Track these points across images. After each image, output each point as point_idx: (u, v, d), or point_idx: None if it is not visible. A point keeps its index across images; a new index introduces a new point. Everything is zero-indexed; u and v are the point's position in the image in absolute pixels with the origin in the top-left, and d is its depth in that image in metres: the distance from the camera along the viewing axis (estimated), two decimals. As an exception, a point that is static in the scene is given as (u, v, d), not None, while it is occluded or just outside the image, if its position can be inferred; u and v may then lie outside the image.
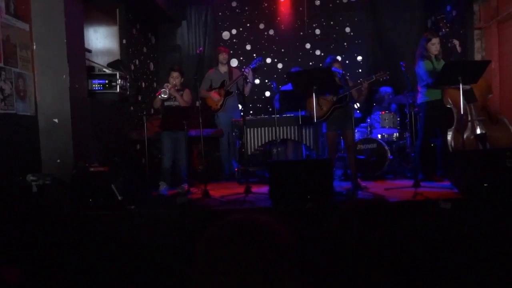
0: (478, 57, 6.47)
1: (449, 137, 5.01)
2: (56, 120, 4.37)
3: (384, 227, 1.09)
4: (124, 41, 6.36)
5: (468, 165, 4.20)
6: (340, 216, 1.14)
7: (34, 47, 4.32)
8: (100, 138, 5.28)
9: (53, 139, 4.36)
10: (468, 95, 4.83)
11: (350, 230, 1.09)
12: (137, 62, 6.91)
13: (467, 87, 4.79)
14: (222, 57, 6.57)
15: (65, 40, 4.39)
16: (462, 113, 4.64)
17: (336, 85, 4.98)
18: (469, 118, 5.07)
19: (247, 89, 6.06)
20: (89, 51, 5.85)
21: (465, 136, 4.84)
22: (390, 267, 1.06)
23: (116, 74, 5.32)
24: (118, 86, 5.31)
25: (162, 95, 5.17)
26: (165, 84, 5.24)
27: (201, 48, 5.85)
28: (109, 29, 6.28)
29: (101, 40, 6.23)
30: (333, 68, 5.04)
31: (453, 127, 5.03)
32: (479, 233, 3.55)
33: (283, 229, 0.95)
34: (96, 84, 5.26)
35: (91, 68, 5.31)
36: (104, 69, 5.45)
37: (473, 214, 3.73)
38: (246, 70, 6.00)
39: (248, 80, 5.98)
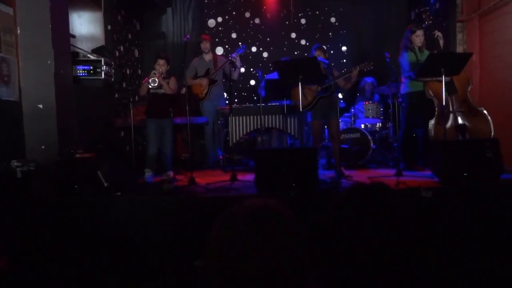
0: (459, 49, 6.59)
1: (430, 127, 5.12)
2: (40, 106, 4.32)
3: (383, 211, 1.14)
4: (108, 27, 6.30)
5: (448, 155, 4.31)
6: (339, 200, 1.19)
7: (18, 31, 4.24)
8: (85, 124, 5.24)
9: (38, 125, 4.31)
10: (448, 87, 4.93)
11: (350, 213, 1.14)
12: (121, 48, 6.84)
13: (447, 79, 4.89)
14: (203, 45, 6.53)
15: (50, 25, 4.33)
16: (443, 104, 4.74)
17: (321, 75, 5.03)
18: (450, 110, 5.17)
19: (235, 74, 6.05)
20: (73, 36, 5.78)
21: (446, 127, 4.95)
22: (386, 252, 1.11)
23: (101, 60, 5.28)
24: (103, 73, 5.28)
25: (152, 84, 5.12)
26: (153, 72, 5.20)
27: (188, 36, 5.81)
28: (93, 15, 6.20)
29: (85, 25, 6.15)
30: (318, 58, 5.09)
31: (434, 118, 5.13)
32: (459, 220, 3.66)
33: (293, 214, 0.98)
34: (80, 70, 5.22)
35: (76, 54, 5.25)
36: (89, 55, 5.40)
37: (453, 202, 3.85)
38: (234, 55, 6.00)
39: (236, 66, 5.98)
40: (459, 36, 6.66)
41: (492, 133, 5.00)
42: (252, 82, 8.05)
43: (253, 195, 4.12)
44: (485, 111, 5.15)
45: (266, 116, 5.77)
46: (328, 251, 1.12)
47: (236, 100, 7.85)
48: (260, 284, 0.87)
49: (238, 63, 6.20)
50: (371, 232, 1.14)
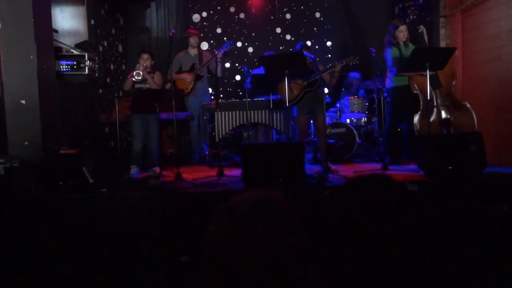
0: (442, 44, 6.64)
1: (415, 122, 5.17)
2: (23, 102, 4.24)
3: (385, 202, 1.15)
4: (92, 22, 6.20)
5: (433, 149, 4.37)
6: (341, 191, 1.20)
7: (0, 26, 4.16)
8: (69, 120, 5.17)
9: (20, 121, 4.22)
10: (433, 81, 4.98)
11: (349, 204, 1.15)
12: (105, 43, 6.76)
13: (432, 73, 4.93)
14: (194, 40, 6.50)
15: (32, 19, 4.25)
16: (428, 99, 4.79)
17: (307, 69, 5.05)
18: (435, 104, 5.23)
19: (219, 70, 6.03)
20: (56, 31, 5.67)
21: (430, 121, 5.00)
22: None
23: (84, 55, 5.19)
24: (86, 68, 5.19)
25: (136, 77, 5.10)
26: (137, 65, 5.16)
27: (173, 31, 5.76)
28: (76, 9, 6.10)
29: (68, 20, 6.05)
30: (305, 53, 5.10)
31: (419, 113, 5.18)
32: (444, 213, 3.71)
33: (295, 206, 0.98)
34: (63, 65, 5.13)
35: (59, 49, 5.16)
36: (72, 50, 5.31)
37: (438, 195, 3.90)
38: (218, 53, 5.97)
39: (218, 61, 5.95)
40: (442, 31, 6.72)
41: (476, 127, 5.07)
42: (238, 77, 8.02)
43: (240, 190, 4.12)
44: (468, 105, 5.22)
45: (252, 111, 5.76)
46: (326, 242, 1.13)
47: (221, 96, 7.82)
48: (260, 275, 0.87)
49: (219, 58, 6.15)
50: (369, 222, 1.14)
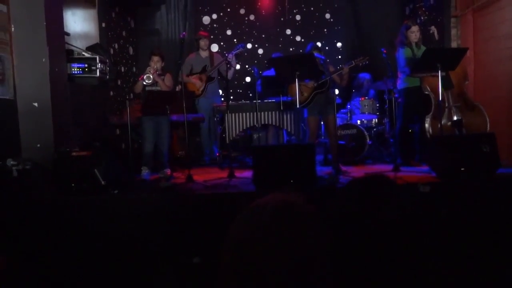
0: (453, 44, 6.59)
1: (427, 123, 5.12)
2: (36, 104, 4.29)
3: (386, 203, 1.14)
4: (103, 25, 6.25)
5: (446, 150, 4.32)
6: (343, 192, 1.19)
7: (13, 29, 4.20)
8: (80, 122, 5.21)
9: (33, 124, 4.28)
10: (445, 82, 4.94)
11: (353, 205, 1.14)
12: (116, 46, 6.80)
13: (443, 74, 4.89)
14: (204, 43, 6.52)
15: (44, 22, 4.30)
16: (440, 99, 4.75)
17: (318, 70, 5.03)
18: (446, 105, 5.19)
19: (230, 74, 6.05)
20: (67, 34, 5.72)
21: (442, 122, 4.96)
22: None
23: (96, 58, 5.23)
24: (97, 70, 5.23)
25: (146, 81, 5.12)
26: (148, 68, 5.18)
27: (184, 33, 5.78)
28: (87, 12, 6.15)
29: (79, 23, 6.09)
30: (315, 54, 5.08)
31: (430, 114, 5.14)
32: (456, 215, 3.68)
33: (314, 208, 0.98)
34: (75, 68, 5.17)
35: (70, 52, 5.21)
36: (83, 53, 5.35)
37: (451, 197, 3.86)
38: (230, 55, 5.98)
39: (231, 65, 5.96)
40: (453, 32, 6.66)
41: (488, 128, 5.02)
42: (248, 79, 8.03)
43: (251, 192, 4.12)
44: (480, 106, 5.17)
45: (262, 113, 5.76)
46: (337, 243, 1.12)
47: (231, 97, 7.83)
48: (282, 279, 0.86)
49: (233, 62, 6.18)
50: (370, 224, 1.14)
